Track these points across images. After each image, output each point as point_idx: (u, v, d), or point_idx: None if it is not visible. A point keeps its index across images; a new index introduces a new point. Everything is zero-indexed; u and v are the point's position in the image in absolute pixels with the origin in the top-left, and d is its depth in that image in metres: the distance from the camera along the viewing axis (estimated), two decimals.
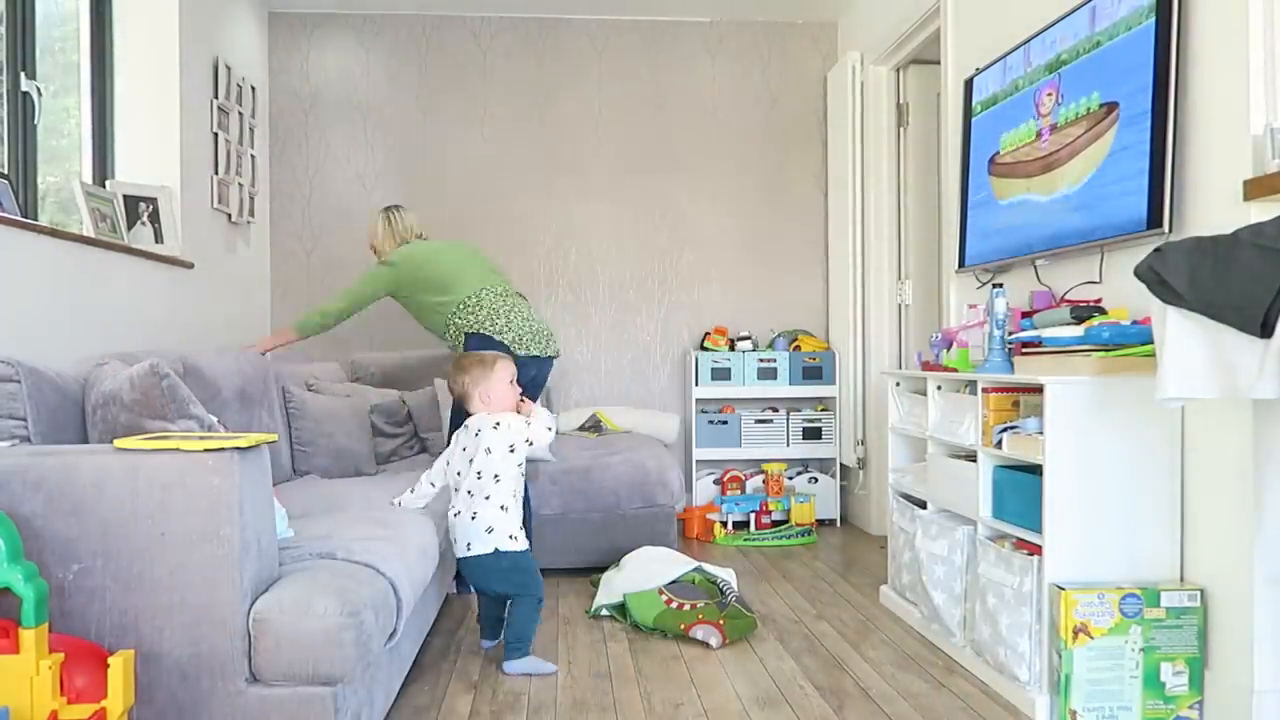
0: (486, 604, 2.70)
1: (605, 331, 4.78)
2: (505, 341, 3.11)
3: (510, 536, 2.55)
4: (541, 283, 4.74)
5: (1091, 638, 2.11)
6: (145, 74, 3.49)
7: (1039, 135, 2.78)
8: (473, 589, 2.73)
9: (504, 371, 2.67)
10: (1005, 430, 2.38)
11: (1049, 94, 2.74)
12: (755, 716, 2.22)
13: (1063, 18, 2.66)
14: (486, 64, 4.70)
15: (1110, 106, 2.46)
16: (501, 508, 2.55)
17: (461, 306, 3.16)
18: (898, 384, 3.13)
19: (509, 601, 2.60)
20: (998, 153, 3.01)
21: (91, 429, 2.07)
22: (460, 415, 2.91)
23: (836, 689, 2.40)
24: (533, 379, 3.17)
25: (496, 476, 2.56)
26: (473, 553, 2.55)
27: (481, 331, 3.13)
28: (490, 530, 2.54)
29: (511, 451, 2.58)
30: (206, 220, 3.81)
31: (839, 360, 4.53)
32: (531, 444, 2.62)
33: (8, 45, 2.84)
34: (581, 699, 2.35)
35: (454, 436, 2.69)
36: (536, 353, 3.17)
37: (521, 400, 2.71)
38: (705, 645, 2.71)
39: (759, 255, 4.82)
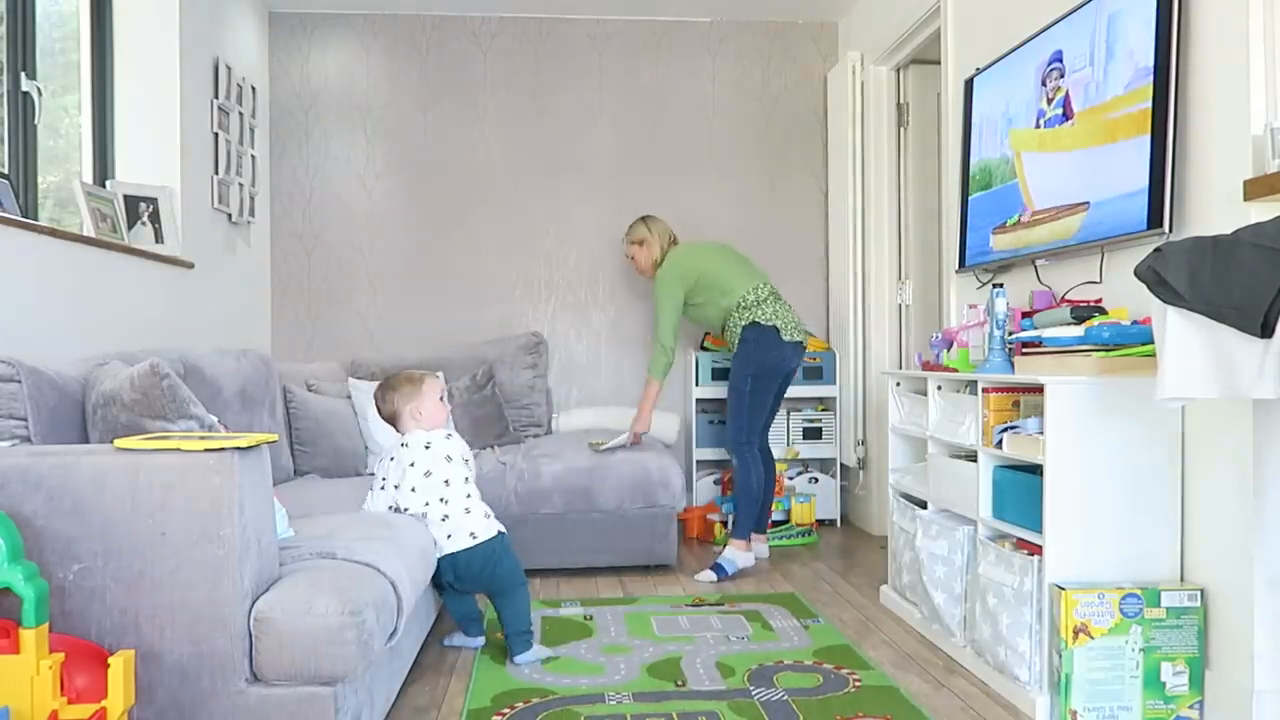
0: None
1: (605, 331, 4.78)
2: (777, 326, 3.57)
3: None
4: (542, 283, 4.74)
5: (1092, 638, 2.11)
6: (145, 74, 3.49)
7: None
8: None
9: (433, 389, 2.67)
10: (1005, 430, 2.38)
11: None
12: None
13: (1062, 17, 2.65)
14: (486, 64, 4.70)
15: None
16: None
17: (741, 304, 3.64)
18: (898, 384, 3.13)
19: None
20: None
21: (92, 429, 2.08)
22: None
23: None
24: (790, 366, 3.66)
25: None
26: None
27: (758, 321, 3.59)
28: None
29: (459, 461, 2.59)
30: (206, 220, 3.81)
31: (839, 360, 4.52)
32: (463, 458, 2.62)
33: (8, 45, 2.84)
34: None
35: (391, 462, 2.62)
36: (799, 339, 3.65)
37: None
38: None
39: (759, 255, 4.77)
